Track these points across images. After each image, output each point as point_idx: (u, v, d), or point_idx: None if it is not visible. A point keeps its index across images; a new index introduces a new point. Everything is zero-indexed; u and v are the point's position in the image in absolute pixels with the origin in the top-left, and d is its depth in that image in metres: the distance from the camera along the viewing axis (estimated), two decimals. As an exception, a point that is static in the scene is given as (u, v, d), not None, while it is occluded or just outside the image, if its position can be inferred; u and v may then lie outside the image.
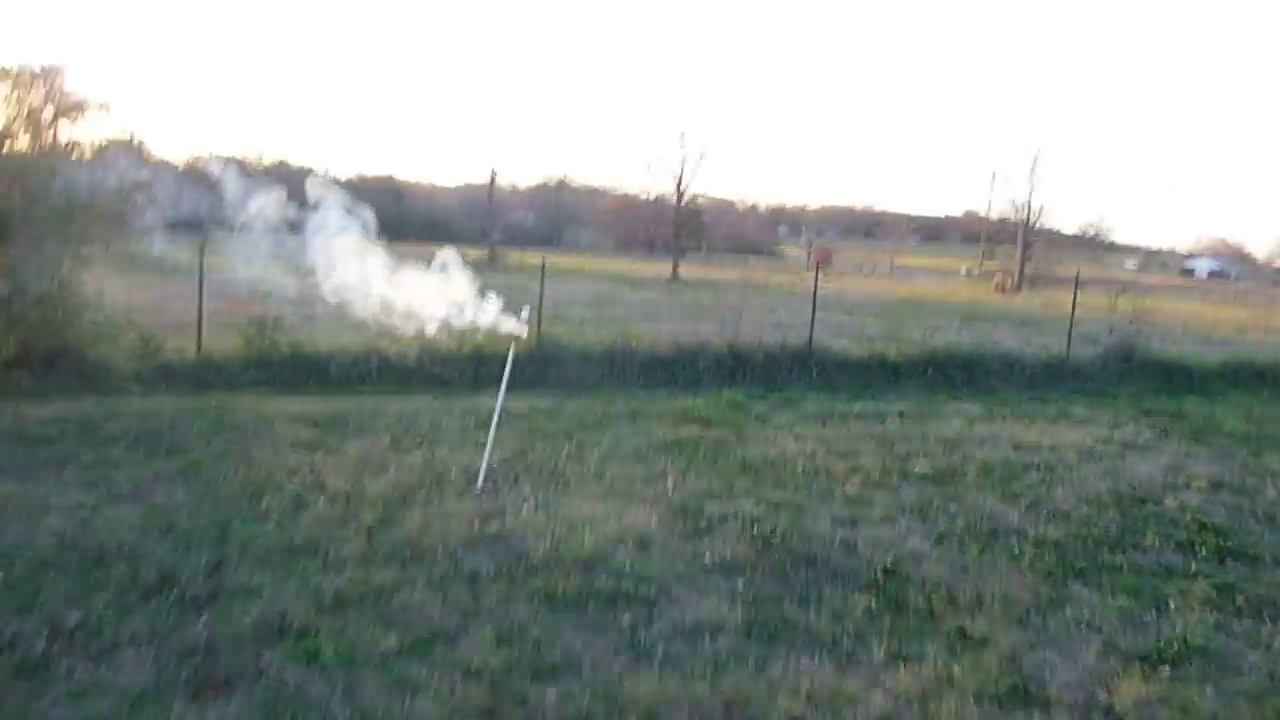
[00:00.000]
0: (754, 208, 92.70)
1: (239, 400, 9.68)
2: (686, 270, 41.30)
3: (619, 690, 3.97)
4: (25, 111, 11.71)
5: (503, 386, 7.23)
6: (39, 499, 5.99)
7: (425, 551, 5.40)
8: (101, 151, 12.84)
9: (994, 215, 64.51)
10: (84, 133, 12.52)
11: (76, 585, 4.69)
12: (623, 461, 7.66)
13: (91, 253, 11.96)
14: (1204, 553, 6.14)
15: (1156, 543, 6.29)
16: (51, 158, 11.93)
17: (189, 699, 3.74)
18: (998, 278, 52.39)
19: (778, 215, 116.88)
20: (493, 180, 52.23)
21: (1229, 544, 6.32)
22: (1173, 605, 5.24)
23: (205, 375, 11.34)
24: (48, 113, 11.49)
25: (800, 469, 7.69)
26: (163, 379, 11.02)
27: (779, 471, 7.58)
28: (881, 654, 4.46)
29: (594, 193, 71.51)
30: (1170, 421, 10.60)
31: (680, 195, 45.41)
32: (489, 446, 7.01)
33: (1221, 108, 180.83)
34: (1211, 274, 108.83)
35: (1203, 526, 6.64)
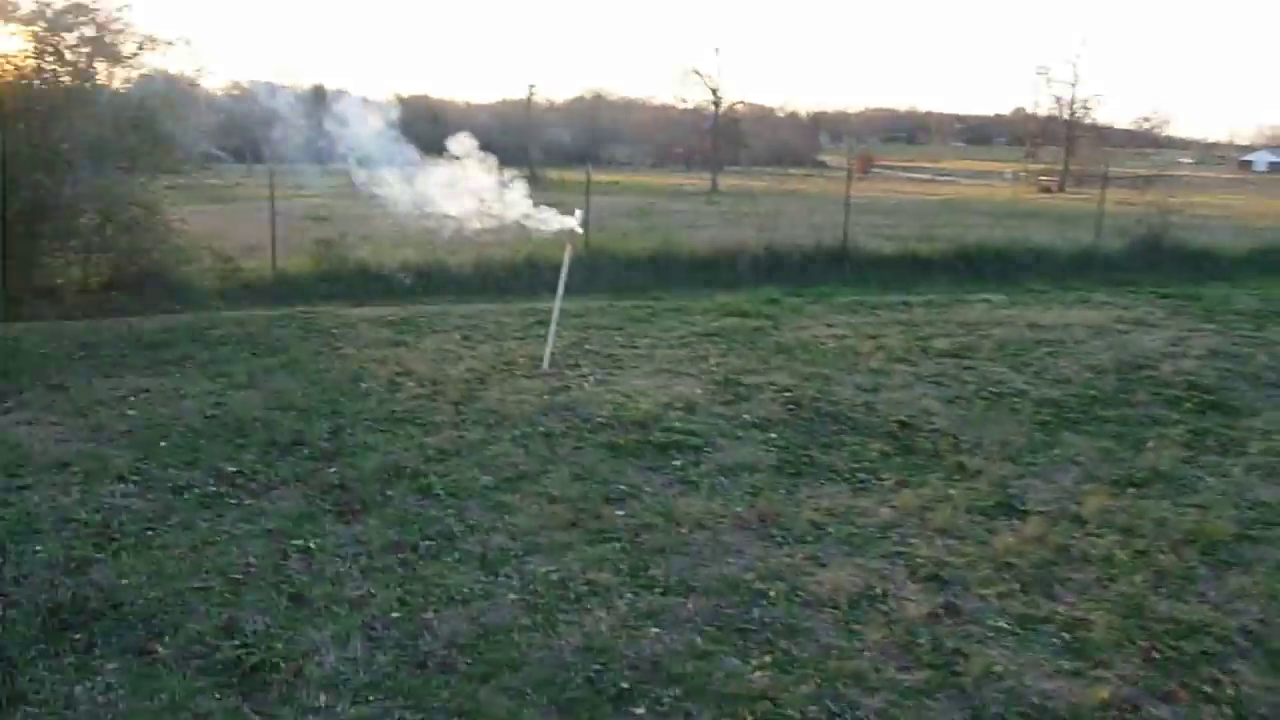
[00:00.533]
0: (794, 114, 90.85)
1: (319, 310, 10.67)
2: (725, 183, 41.60)
3: (673, 509, 4.92)
4: (102, 46, 12.47)
5: (561, 281, 8.13)
6: (172, 388, 7.04)
7: (505, 418, 6.38)
8: (170, 85, 13.66)
9: (1041, 113, 62.79)
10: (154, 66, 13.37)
11: (225, 447, 5.72)
12: (670, 347, 8.57)
13: (168, 182, 13.03)
14: (1188, 406, 6.93)
15: (1146, 399, 7.09)
16: (128, 93, 12.76)
17: (335, 518, 4.76)
18: (1041, 178, 51.87)
19: (819, 121, 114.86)
20: (530, 97, 52.53)
21: (1213, 399, 7.09)
22: (1150, 445, 6.07)
23: (281, 291, 12.33)
24: (127, 47, 12.25)
25: (829, 349, 8.55)
26: (243, 296, 12.06)
27: (809, 351, 8.45)
28: (891, 483, 5.37)
29: (630, 106, 70.78)
30: (1185, 303, 11.23)
31: (717, 106, 45.27)
32: (551, 333, 7.95)
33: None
34: (1272, 165, 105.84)
35: (1191, 385, 7.41)
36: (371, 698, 3.26)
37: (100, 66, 12.23)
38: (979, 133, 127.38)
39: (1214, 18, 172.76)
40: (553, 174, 42.63)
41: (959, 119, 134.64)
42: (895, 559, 4.42)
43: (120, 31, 12.14)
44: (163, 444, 5.75)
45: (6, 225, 11.07)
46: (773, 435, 6.13)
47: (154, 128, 12.18)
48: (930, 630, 3.78)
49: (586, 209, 14.40)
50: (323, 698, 3.25)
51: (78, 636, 3.57)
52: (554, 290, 8.14)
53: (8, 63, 11.53)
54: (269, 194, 13.85)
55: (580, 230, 8.24)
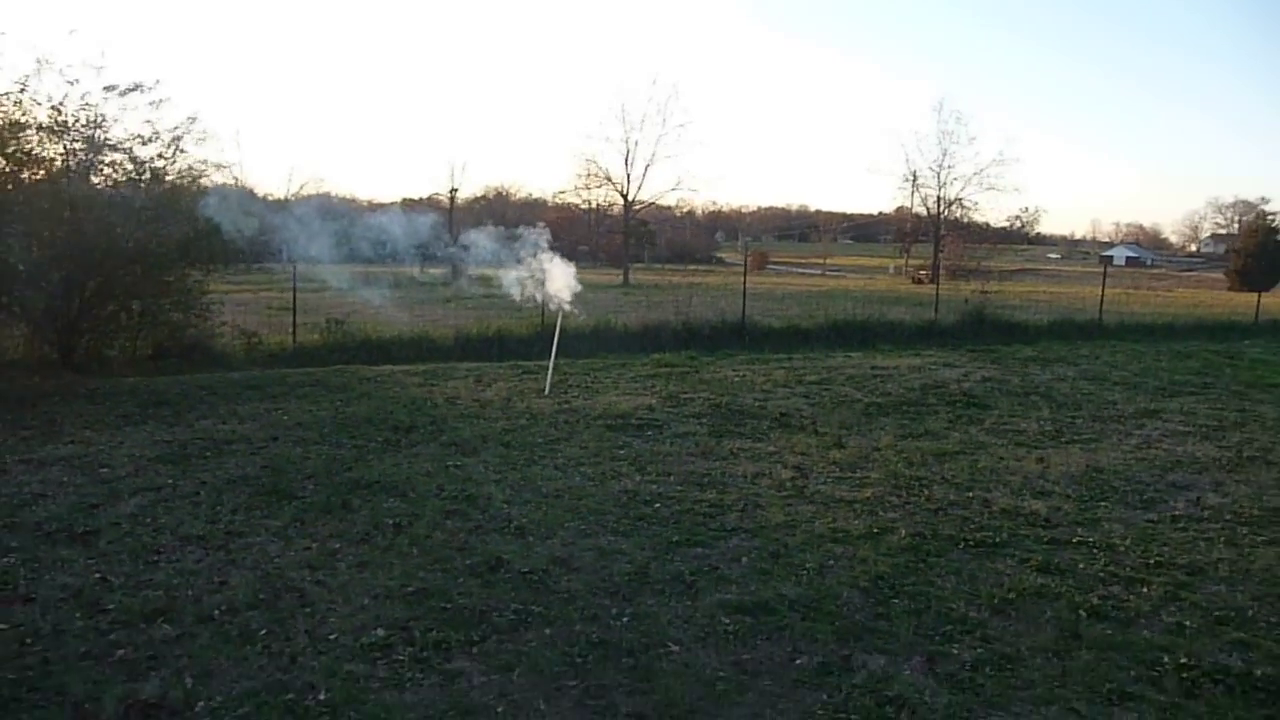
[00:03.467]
0: (691, 213, 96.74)
1: (350, 367, 14.08)
2: (635, 277, 46.11)
3: (652, 449, 8.66)
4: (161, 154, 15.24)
5: (555, 338, 11.89)
6: (294, 408, 10.45)
7: (536, 416, 10.05)
8: (204, 187, 16.64)
9: (919, 212, 69.12)
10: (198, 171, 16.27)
11: (367, 428, 9.21)
12: (628, 382, 12.39)
13: (205, 272, 16.11)
14: (958, 404, 11.07)
15: (934, 401, 11.21)
16: (175, 194, 15.67)
17: (461, 455, 8.32)
18: (919, 272, 58.19)
19: (715, 220, 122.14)
20: (452, 199, 56.53)
21: (975, 400, 11.26)
22: (929, 423, 10.10)
23: (300, 358, 15.69)
24: (180, 162, 15.22)
25: (734, 380, 12.51)
26: (268, 362, 15.33)
27: (722, 382, 12.39)
28: (774, 437, 9.23)
29: (533, 204, 74.96)
30: (985, 354, 15.65)
31: (627, 207, 49.96)
32: (550, 368, 11.70)
33: (1149, 100, 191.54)
34: (1129, 260, 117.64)
35: (965, 395, 11.59)
36: (528, 512, 6.87)
37: (158, 176, 15.34)
38: (865, 230, 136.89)
39: (1081, 128, 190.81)
40: (473, 269, 46.68)
41: (846, 217, 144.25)
42: (775, 462, 8.25)
43: (181, 150, 15.28)
44: (327, 428, 9.23)
45: (76, 309, 13.90)
46: (704, 420, 9.97)
47: (197, 228, 15.27)
48: (792, 483, 7.59)
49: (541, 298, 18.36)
50: (508, 511, 6.84)
51: (362, 491, 7.09)
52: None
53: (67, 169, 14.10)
54: (290, 283, 17.29)
55: (569, 307, 12.08)
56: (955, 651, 4.61)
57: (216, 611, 4.90)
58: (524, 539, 6.12)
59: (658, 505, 6.92)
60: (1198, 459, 8.69)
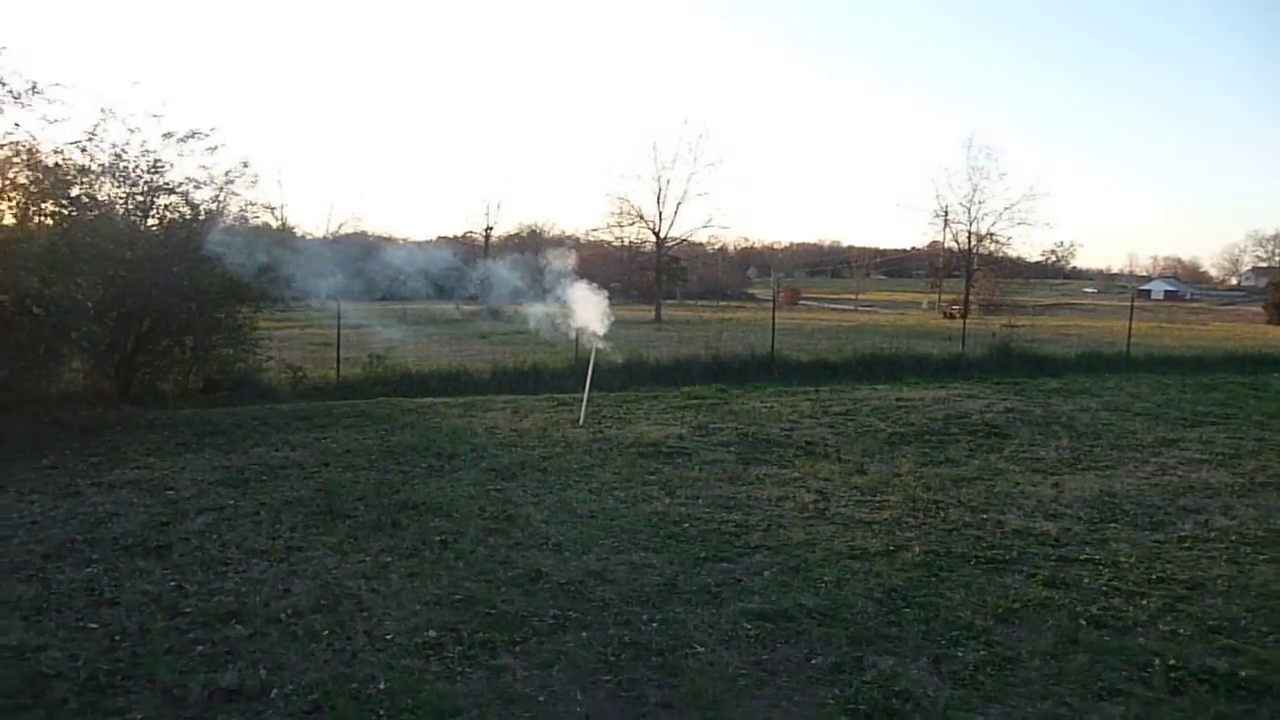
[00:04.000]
0: (724, 250, 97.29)
1: (393, 399, 14.66)
2: (666, 313, 46.68)
3: (682, 475, 9.08)
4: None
5: (590, 370, 12.39)
6: (341, 437, 11.00)
7: (571, 444, 10.53)
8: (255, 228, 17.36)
9: (952, 247, 68.90)
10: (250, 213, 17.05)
11: (411, 455, 9.73)
12: (659, 413, 12.84)
13: (252, 309, 16.75)
14: (980, 434, 11.40)
15: (957, 431, 11.54)
16: (228, 235, 16.43)
17: (500, 480, 8.80)
18: (944, 307, 58.29)
19: (747, 256, 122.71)
20: (487, 238, 57.67)
21: (996, 430, 11.58)
22: (950, 451, 10.44)
23: (343, 391, 16.31)
24: (234, 205, 16.05)
25: (762, 412, 12.92)
26: (313, 395, 15.96)
27: (750, 413, 12.80)
28: (799, 464, 9.62)
29: (565, 241, 75.82)
30: (1009, 387, 15.93)
31: (660, 245, 50.65)
32: (585, 400, 12.19)
33: (1183, 131, 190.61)
34: (1168, 294, 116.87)
35: (987, 425, 11.91)
36: (565, 531, 7.32)
37: (212, 217, 16.12)
38: (898, 265, 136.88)
39: (1117, 162, 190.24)
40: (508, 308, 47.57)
41: (879, 252, 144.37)
42: (799, 486, 8.65)
43: (233, 193, 16.02)
44: (374, 455, 9.77)
45: (133, 345, 14.65)
46: (731, 448, 10.39)
47: (247, 267, 15.99)
48: (814, 506, 7.98)
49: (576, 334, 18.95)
50: (546, 530, 7.29)
51: (410, 511, 7.58)
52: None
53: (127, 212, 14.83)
54: (326, 320, 17.97)
55: (601, 341, 12.62)
56: (960, 654, 4.99)
57: (283, 615, 5.40)
58: (561, 554, 6.57)
59: (686, 525, 7.34)
60: (1210, 485, 8.96)
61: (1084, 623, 5.41)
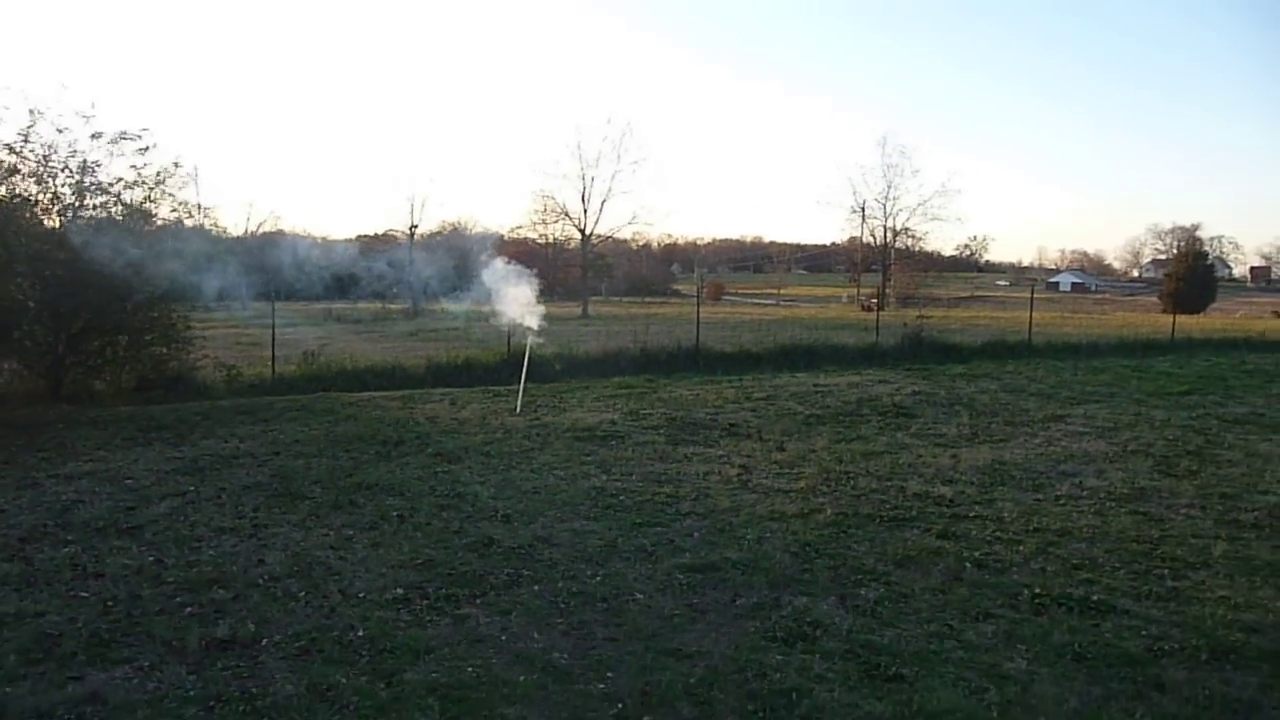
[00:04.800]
0: (648, 246, 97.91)
1: (331, 394, 15.05)
2: (593, 309, 47.33)
3: (616, 455, 9.79)
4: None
5: (525, 361, 13.01)
6: (288, 428, 11.43)
7: (510, 431, 11.15)
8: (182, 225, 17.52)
9: (871, 242, 70.82)
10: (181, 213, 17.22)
11: (359, 445, 10.24)
12: (592, 401, 13.53)
13: (188, 308, 16.95)
14: (889, 415, 12.36)
15: (867, 413, 12.49)
16: (160, 234, 16.57)
17: (447, 463, 9.38)
18: (862, 300, 60.17)
19: (671, 253, 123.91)
20: (411, 234, 57.44)
21: (904, 411, 12.56)
22: (861, 430, 11.35)
23: (279, 388, 16.59)
24: (165, 207, 16.19)
25: (688, 398, 13.71)
26: (248, 392, 16.22)
27: (677, 400, 13.58)
28: (724, 444, 10.41)
29: (487, 239, 75.51)
30: (919, 372, 17.03)
31: (585, 241, 51.25)
32: (521, 390, 12.81)
33: (1089, 126, 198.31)
34: (1074, 285, 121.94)
35: (896, 407, 12.89)
36: (511, 505, 7.96)
37: (144, 217, 16.20)
38: (818, 260, 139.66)
39: (1027, 157, 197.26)
40: (435, 306, 47.69)
41: (800, 248, 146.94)
42: (724, 463, 9.43)
43: (166, 193, 16.12)
44: (322, 444, 10.25)
45: (64, 344, 14.72)
46: (661, 431, 11.14)
47: (179, 266, 16.15)
48: (738, 478, 8.77)
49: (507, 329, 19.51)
50: (494, 505, 7.92)
51: (365, 492, 8.14)
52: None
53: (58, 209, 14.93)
54: (249, 320, 18.19)
55: (536, 335, 13.25)
56: (862, 593, 5.80)
57: (260, 580, 5.95)
58: (510, 524, 7.23)
59: (622, 497, 8.06)
60: (1088, 453, 10.03)
61: (968, 565, 6.28)
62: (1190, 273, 62.26)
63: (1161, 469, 9.25)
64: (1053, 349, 22.31)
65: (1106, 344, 23.40)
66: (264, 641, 5.01)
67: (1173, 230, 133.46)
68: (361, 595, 5.70)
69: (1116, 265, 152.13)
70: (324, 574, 6.07)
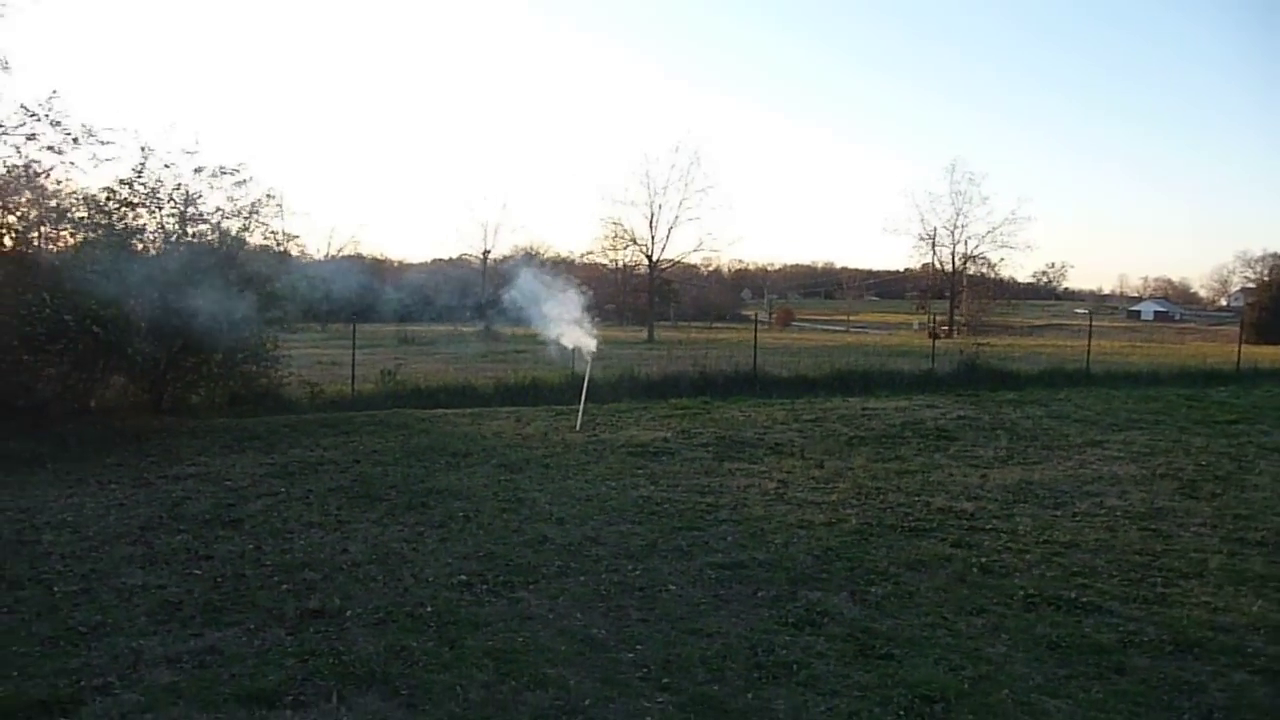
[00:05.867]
0: (717, 271, 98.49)
1: (405, 411, 16.12)
2: (659, 334, 48.23)
3: (666, 470, 10.56)
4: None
5: (585, 382, 13.89)
6: (367, 440, 12.46)
7: (569, 446, 12.01)
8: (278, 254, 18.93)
9: (944, 268, 70.14)
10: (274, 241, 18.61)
11: (432, 455, 11.20)
12: (648, 420, 14.34)
13: (274, 327, 18.20)
14: (931, 438, 12.89)
15: (910, 436, 13.05)
16: (253, 259, 17.93)
17: (509, 473, 10.27)
18: (932, 327, 59.99)
19: (741, 278, 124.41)
20: (485, 259, 59.23)
21: (946, 435, 13.08)
22: (900, 451, 11.93)
23: (358, 404, 17.74)
24: (258, 234, 17.64)
25: (739, 419, 14.42)
26: (330, 407, 17.39)
27: (728, 421, 14.30)
28: (768, 461, 11.10)
29: (559, 264, 77.23)
30: (968, 398, 17.45)
31: (652, 267, 52.22)
32: (581, 409, 13.68)
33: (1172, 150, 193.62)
34: (1157, 314, 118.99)
35: (939, 430, 13.41)
36: (565, 509, 8.78)
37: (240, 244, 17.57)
38: (889, 286, 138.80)
39: (1110, 184, 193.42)
40: (504, 329, 49.14)
41: (871, 274, 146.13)
42: (764, 478, 10.13)
43: (260, 222, 17.47)
44: (397, 454, 11.24)
45: (166, 361, 16.05)
46: (709, 448, 11.89)
47: (271, 290, 17.37)
48: (775, 491, 9.47)
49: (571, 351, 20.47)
50: (550, 509, 8.76)
51: (435, 495, 9.05)
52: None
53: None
54: (333, 341, 19.43)
55: (590, 358, 14.16)
56: (872, 590, 6.47)
57: (344, 565, 6.87)
58: (563, 526, 8.05)
59: (666, 505, 8.83)
60: (1117, 475, 10.47)
61: (975, 569, 6.89)
62: (1274, 300, 60.52)
63: (1185, 491, 9.66)
64: (1111, 377, 22.41)
65: (1168, 373, 23.39)
66: (348, 613, 5.90)
67: (1264, 257, 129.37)
68: (431, 579, 6.57)
69: (1203, 293, 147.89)
70: (398, 562, 6.96)
